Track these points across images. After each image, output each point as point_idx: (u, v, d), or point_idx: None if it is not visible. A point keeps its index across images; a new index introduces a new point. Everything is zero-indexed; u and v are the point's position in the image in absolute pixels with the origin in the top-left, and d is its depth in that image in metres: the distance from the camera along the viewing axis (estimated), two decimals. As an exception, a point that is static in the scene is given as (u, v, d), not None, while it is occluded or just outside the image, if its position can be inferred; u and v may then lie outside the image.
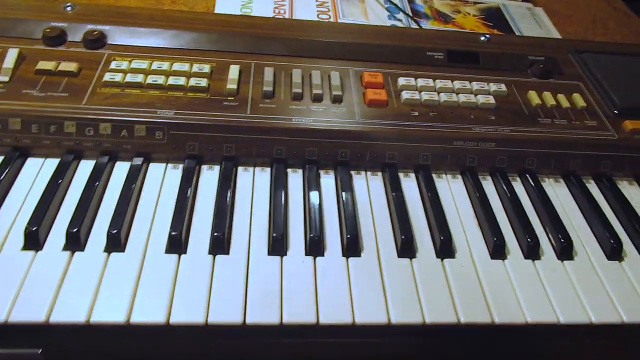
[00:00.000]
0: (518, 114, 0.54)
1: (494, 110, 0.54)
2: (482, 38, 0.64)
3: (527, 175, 0.52)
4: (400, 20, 0.87)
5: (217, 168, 0.49)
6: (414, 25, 0.84)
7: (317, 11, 0.86)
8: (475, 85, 0.56)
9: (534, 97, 0.56)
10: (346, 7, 0.88)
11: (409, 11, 0.90)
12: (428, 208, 0.47)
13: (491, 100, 0.54)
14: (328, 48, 0.59)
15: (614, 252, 0.46)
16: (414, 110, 0.53)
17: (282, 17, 0.83)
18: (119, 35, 0.56)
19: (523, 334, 0.41)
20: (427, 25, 0.88)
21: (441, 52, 0.60)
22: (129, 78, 0.50)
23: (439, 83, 0.55)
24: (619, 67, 0.62)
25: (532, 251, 0.44)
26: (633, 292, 0.43)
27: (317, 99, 0.52)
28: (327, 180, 0.49)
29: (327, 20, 0.83)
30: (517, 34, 0.91)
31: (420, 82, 0.55)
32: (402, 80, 0.55)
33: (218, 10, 0.81)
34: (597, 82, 0.59)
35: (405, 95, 0.53)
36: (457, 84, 0.56)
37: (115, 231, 0.41)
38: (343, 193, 0.47)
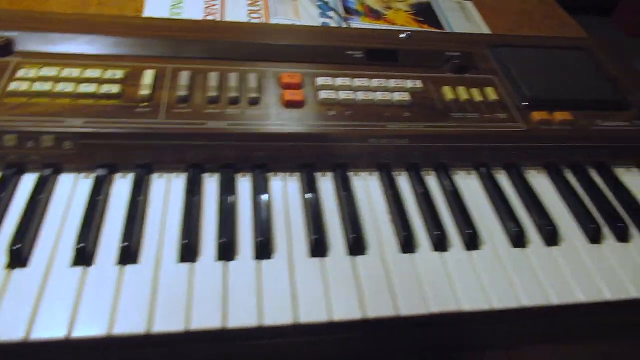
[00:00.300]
0: (432, 109, 0.56)
1: (409, 106, 0.55)
2: (402, 35, 0.65)
3: (441, 169, 0.54)
4: (331, 18, 0.87)
5: (130, 176, 0.48)
6: (343, 24, 0.85)
7: (249, 10, 0.86)
8: (392, 83, 0.57)
9: (448, 92, 0.58)
10: (278, 5, 0.88)
11: (340, 9, 0.90)
12: (342, 207, 0.49)
13: (406, 97, 0.56)
14: (249, 50, 0.59)
15: (518, 239, 0.48)
16: (330, 109, 0.53)
17: (213, 18, 0.83)
18: (29, 42, 0.55)
19: (431, 324, 0.43)
20: (358, 21, 0.89)
21: (360, 50, 0.61)
22: (37, 86, 0.49)
23: (357, 81, 0.56)
24: (531, 60, 0.64)
25: (439, 244, 0.46)
26: (534, 278, 0.45)
27: (233, 102, 0.52)
28: (244, 183, 0.50)
29: (251, 22, 0.83)
30: (446, 28, 0.94)
31: (339, 81, 0.56)
32: (320, 80, 0.56)
33: (147, 13, 0.80)
34: (510, 76, 0.61)
35: (322, 94, 0.54)
36: (375, 82, 0.57)
37: (17, 246, 0.40)
38: (258, 196, 0.48)
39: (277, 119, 0.51)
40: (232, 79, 0.54)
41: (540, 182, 0.55)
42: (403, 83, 0.57)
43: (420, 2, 0.97)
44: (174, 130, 0.48)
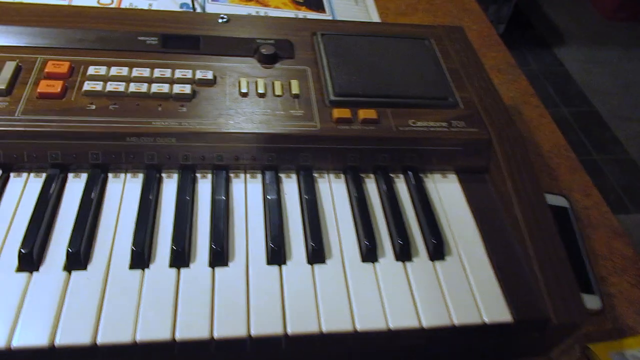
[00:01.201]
0: (216, 105, 0.49)
1: (189, 100, 0.49)
2: (220, 20, 0.59)
3: (219, 173, 0.48)
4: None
5: None
6: (198, 8, 0.78)
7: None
8: (179, 73, 0.51)
9: (243, 84, 0.51)
10: (137, -15, 0.81)
11: (207, -11, 0.83)
12: (80, 215, 0.43)
13: (187, 89, 0.49)
14: (28, 36, 0.53)
15: (273, 257, 0.42)
16: (92, 103, 0.47)
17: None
18: None
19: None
20: (225, 4, 0.82)
21: (156, 36, 0.54)
22: None
23: (135, 72, 0.50)
24: (360, 51, 0.57)
25: (178, 260, 0.41)
26: (277, 302, 0.40)
27: (-24, 93, 0.46)
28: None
29: (98, 5, 0.77)
30: (327, 12, 0.87)
31: (113, 70, 0.50)
32: (91, 70, 0.50)
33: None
34: (326, 68, 0.55)
35: (86, 86, 0.48)
36: (157, 72, 0.51)
37: None
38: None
39: (22, 114, 0.46)
40: (-17, 67, 0.48)
41: (336, 190, 0.49)
42: (191, 74, 0.51)
43: (305, -17, 0.90)
44: None
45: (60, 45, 0.52)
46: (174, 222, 0.44)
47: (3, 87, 0.47)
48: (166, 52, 0.54)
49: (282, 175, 0.49)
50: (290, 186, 0.49)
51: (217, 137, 0.47)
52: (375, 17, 0.86)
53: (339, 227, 0.46)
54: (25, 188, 0.45)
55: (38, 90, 0.47)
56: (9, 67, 0.48)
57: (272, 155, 0.49)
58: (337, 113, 0.50)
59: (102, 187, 0.46)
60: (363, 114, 0.50)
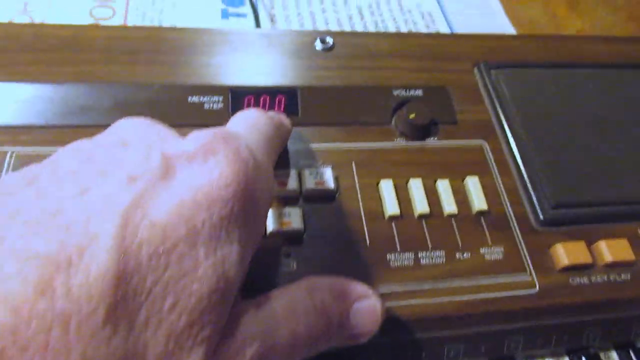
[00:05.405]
0: (354, 249, 0.26)
1: (299, 242, 0.26)
2: (320, 46, 0.33)
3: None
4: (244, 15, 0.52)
5: None
6: (265, 19, 0.50)
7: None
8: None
9: (389, 196, 0.28)
10: None
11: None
12: None
13: (294, 219, 0.26)
14: None
15: None
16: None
17: None
18: None
19: None
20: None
21: (219, 94, 0.29)
22: None
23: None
24: (567, 100, 0.33)
25: None
26: None
27: None
28: None
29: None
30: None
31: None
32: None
33: None
34: (519, 144, 0.31)
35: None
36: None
37: None
38: None
39: None
40: None
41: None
42: (291, 178, 0.27)
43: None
44: None
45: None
46: None
47: None
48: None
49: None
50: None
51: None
52: (509, 29, 0.58)
53: None
54: None
55: None
56: None
57: (458, 346, 0.26)
58: (565, 251, 0.27)
59: None
60: (610, 248, 0.28)
